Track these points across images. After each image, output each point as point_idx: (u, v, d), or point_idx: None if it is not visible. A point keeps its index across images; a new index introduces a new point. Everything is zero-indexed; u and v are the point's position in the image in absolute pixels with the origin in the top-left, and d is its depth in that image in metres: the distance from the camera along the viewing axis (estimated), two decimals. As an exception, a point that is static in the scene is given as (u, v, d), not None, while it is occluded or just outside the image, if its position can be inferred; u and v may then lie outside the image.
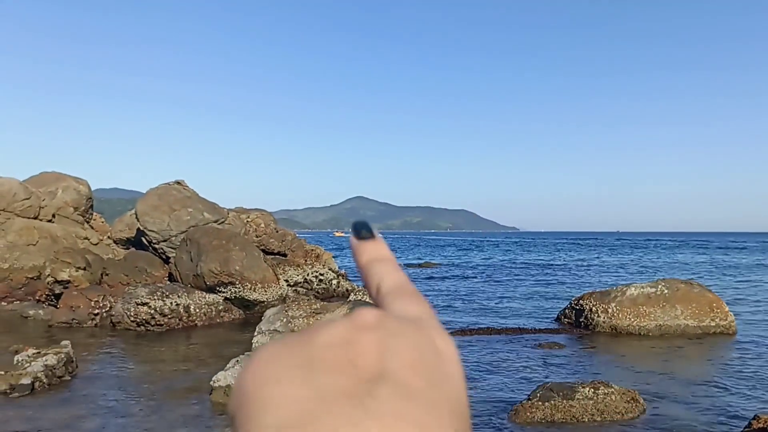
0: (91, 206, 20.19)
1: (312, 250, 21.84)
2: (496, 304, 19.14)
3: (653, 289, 13.85)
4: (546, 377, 9.27)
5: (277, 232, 20.95)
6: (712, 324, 13.41)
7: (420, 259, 47.58)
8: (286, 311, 11.13)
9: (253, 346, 10.48)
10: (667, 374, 9.81)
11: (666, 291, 13.78)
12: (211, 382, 8.06)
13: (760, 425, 4.95)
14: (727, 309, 13.85)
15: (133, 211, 19.36)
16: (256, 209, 22.01)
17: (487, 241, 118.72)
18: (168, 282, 16.49)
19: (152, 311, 13.60)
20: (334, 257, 22.13)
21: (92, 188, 20.36)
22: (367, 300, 14.20)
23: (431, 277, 29.64)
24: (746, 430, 5.01)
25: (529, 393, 7.73)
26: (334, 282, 20.58)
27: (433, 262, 41.69)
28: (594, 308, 13.97)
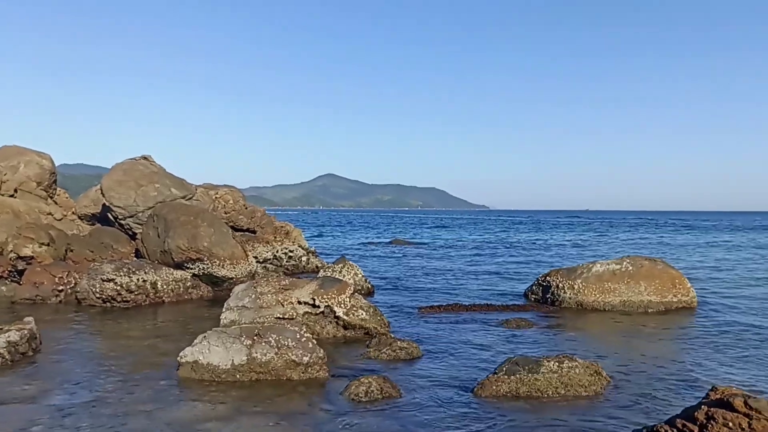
0: (55, 181, 19.76)
1: (281, 226, 21.75)
2: (464, 281, 19.32)
3: (618, 266, 14.10)
4: (512, 352, 9.39)
5: (246, 208, 20.78)
6: (675, 299, 13.73)
7: (391, 236, 47.70)
8: (254, 287, 11.08)
9: (221, 322, 10.44)
10: (630, 348, 10.03)
11: (630, 268, 14.04)
12: (179, 358, 8.01)
13: (717, 396, 5.09)
14: (689, 285, 14.18)
15: (98, 187, 18.99)
16: (225, 186, 21.77)
17: (457, 219, 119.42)
18: (135, 258, 16.27)
19: (118, 287, 13.42)
20: (311, 238, 22.06)
21: (56, 164, 19.93)
22: (336, 276, 14.22)
23: (402, 255, 29.76)
24: (704, 400, 5.14)
25: (495, 368, 7.84)
26: (304, 259, 20.54)
27: (403, 239, 41.80)
28: (560, 285, 14.19)
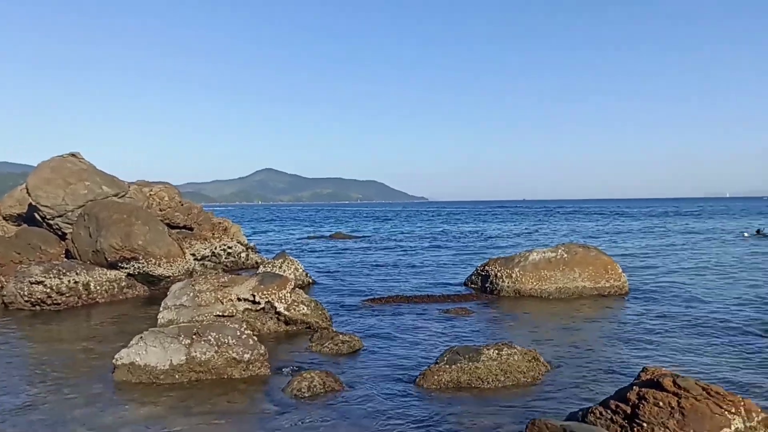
0: (-23, 181, 18.81)
1: (219, 223, 21.38)
2: (405, 272, 19.44)
3: (554, 254, 14.47)
4: (454, 342, 9.52)
5: (182, 205, 20.31)
6: (607, 285, 14.18)
7: (331, 230, 47.54)
8: (192, 285, 10.85)
9: (159, 322, 10.19)
10: (566, 333, 10.32)
11: (565, 255, 14.42)
12: (114, 360, 7.78)
13: (648, 376, 5.29)
14: (620, 271, 14.66)
15: (24, 186, 18.17)
16: (160, 183, 21.19)
17: (397, 211, 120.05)
18: (65, 259, 15.67)
19: (48, 290, 12.92)
20: (250, 234, 21.76)
21: (-23, 162, 18.96)
22: (276, 272, 14.07)
23: (344, 248, 29.71)
24: (636, 381, 5.34)
25: (436, 358, 7.93)
26: (243, 255, 20.27)
27: (344, 233, 41.74)
28: (499, 274, 14.46)
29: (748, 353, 8.81)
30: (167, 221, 18.70)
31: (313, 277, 16.85)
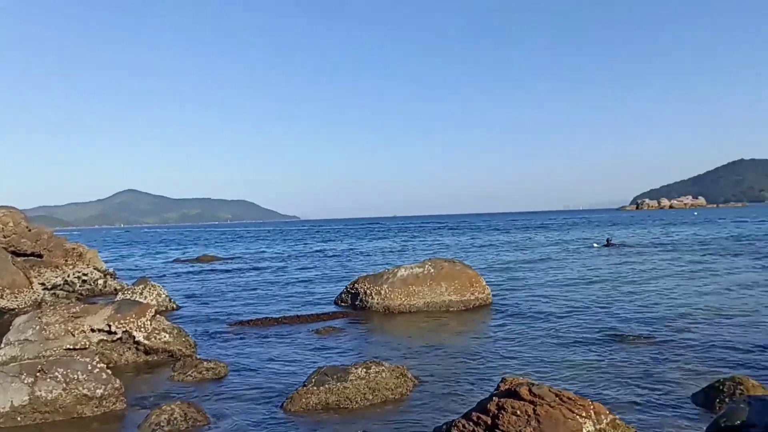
0: None
1: (73, 248, 19.97)
2: (274, 293, 19.08)
3: (421, 269, 14.78)
4: (323, 362, 9.40)
5: (29, 231, 18.75)
6: (473, 298, 14.67)
7: (198, 252, 45.88)
8: (39, 318, 9.96)
9: (0, 359, 9.26)
10: (434, 347, 10.51)
11: (432, 270, 14.78)
12: (-59, 407, 6.94)
13: (507, 386, 5.46)
14: (484, 283, 15.24)
15: None
16: (3, 207, 19.44)
17: (268, 230, 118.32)
18: None
19: None
20: (110, 259, 20.44)
21: None
22: (136, 298, 13.31)
23: (211, 271, 28.72)
24: (495, 392, 5.49)
25: (304, 380, 7.78)
26: (101, 282, 19.04)
27: (211, 255, 40.40)
28: (368, 291, 14.55)
29: (600, 361, 9.38)
30: (12, 248, 17.19)
31: (177, 303, 16.11)
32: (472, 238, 54.29)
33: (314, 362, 9.57)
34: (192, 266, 32.33)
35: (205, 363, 9.15)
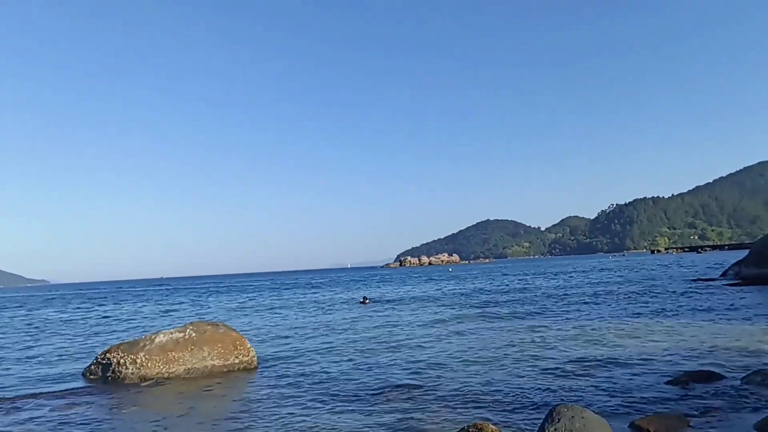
0: None
1: None
2: (7, 368, 16.72)
3: (181, 334, 14.06)
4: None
5: None
6: (237, 361, 14.26)
7: None
8: None
9: None
10: (192, 416, 9.95)
11: (194, 334, 14.14)
12: None
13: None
14: (249, 345, 14.92)
15: None
16: None
17: (8, 297, 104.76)
18: None
19: None
20: None
21: None
22: None
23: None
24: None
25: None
26: None
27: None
28: (122, 360, 13.43)
29: (362, 415, 9.59)
30: None
31: None
32: (241, 299, 53.27)
33: (51, 447, 8.49)
34: None
35: None
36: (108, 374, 13.53)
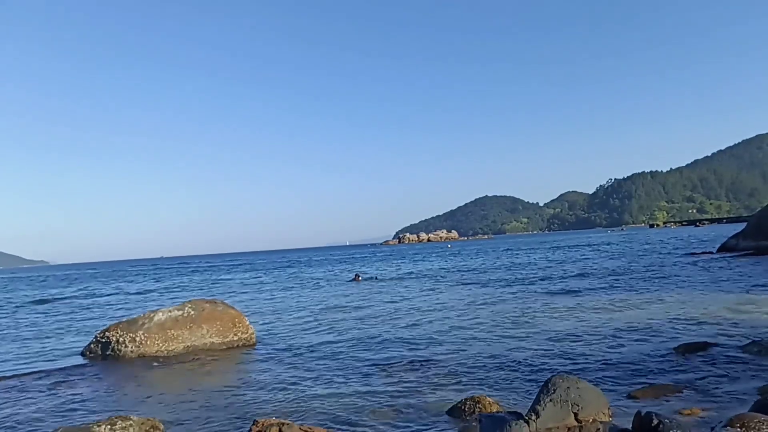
0: None
1: None
2: (7, 346, 16.79)
3: (180, 312, 14.09)
4: (64, 422, 8.43)
5: None
6: (235, 338, 14.31)
7: None
8: None
9: None
10: (191, 393, 9.98)
11: (193, 312, 14.16)
12: None
13: (258, 428, 5.33)
14: (247, 323, 14.96)
15: None
16: None
17: (10, 278, 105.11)
18: None
19: None
20: None
21: None
22: None
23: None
24: (245, 436, 5.33)
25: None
26: None
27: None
28: (121, 338, 13.48)
29: (362, 390, 9.63)
30: None
31: None
32: (242, 277, 53.43)
33: (52, 423, 8.54)
34: None
35: None
36: (107, 352, 13.58)
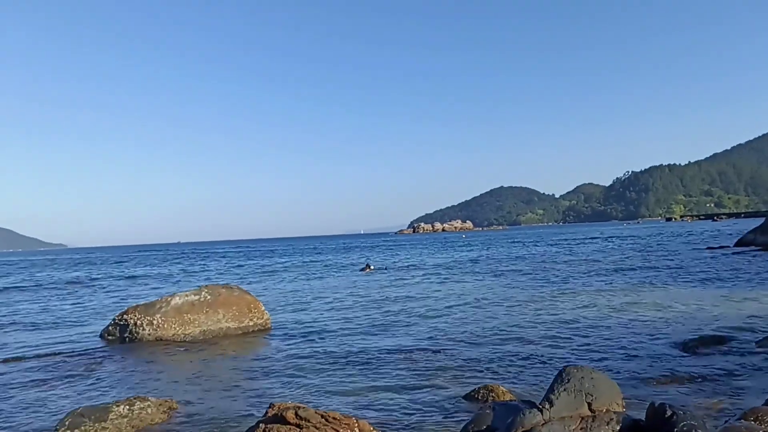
0: None
1: None
2: (27, 330, 17.08)
3: (197, 296, 14.24)
4: (82, 403, 8.58)
5: None
6: (251, 324, 14.45)
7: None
8: None
9: None
10: (208, 376, 10.13)
11: (209, 297, 14.31)
12: None
13: (274, 411, 5.41)
14: (263, 308, 15.09)
15: None
16: None
17: (27, 261, 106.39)
18: None
19: None
20: None
21: None
22: None
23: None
24: (263, 418, 5.42)
25: (56, 425, 7.02)
26: None
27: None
28: (139, 322, 13.66)
29: (375, 377, 9.72)
30: None
31: None
32: (256, 263, 53.75)
33: (70, 404, 8.70)
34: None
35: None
36: (125, 335, 13.77)
